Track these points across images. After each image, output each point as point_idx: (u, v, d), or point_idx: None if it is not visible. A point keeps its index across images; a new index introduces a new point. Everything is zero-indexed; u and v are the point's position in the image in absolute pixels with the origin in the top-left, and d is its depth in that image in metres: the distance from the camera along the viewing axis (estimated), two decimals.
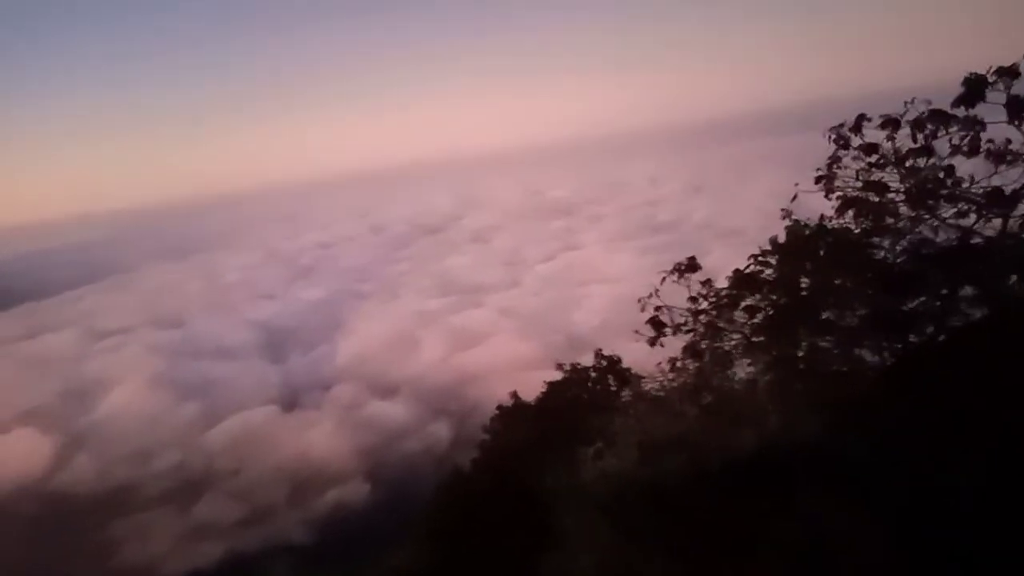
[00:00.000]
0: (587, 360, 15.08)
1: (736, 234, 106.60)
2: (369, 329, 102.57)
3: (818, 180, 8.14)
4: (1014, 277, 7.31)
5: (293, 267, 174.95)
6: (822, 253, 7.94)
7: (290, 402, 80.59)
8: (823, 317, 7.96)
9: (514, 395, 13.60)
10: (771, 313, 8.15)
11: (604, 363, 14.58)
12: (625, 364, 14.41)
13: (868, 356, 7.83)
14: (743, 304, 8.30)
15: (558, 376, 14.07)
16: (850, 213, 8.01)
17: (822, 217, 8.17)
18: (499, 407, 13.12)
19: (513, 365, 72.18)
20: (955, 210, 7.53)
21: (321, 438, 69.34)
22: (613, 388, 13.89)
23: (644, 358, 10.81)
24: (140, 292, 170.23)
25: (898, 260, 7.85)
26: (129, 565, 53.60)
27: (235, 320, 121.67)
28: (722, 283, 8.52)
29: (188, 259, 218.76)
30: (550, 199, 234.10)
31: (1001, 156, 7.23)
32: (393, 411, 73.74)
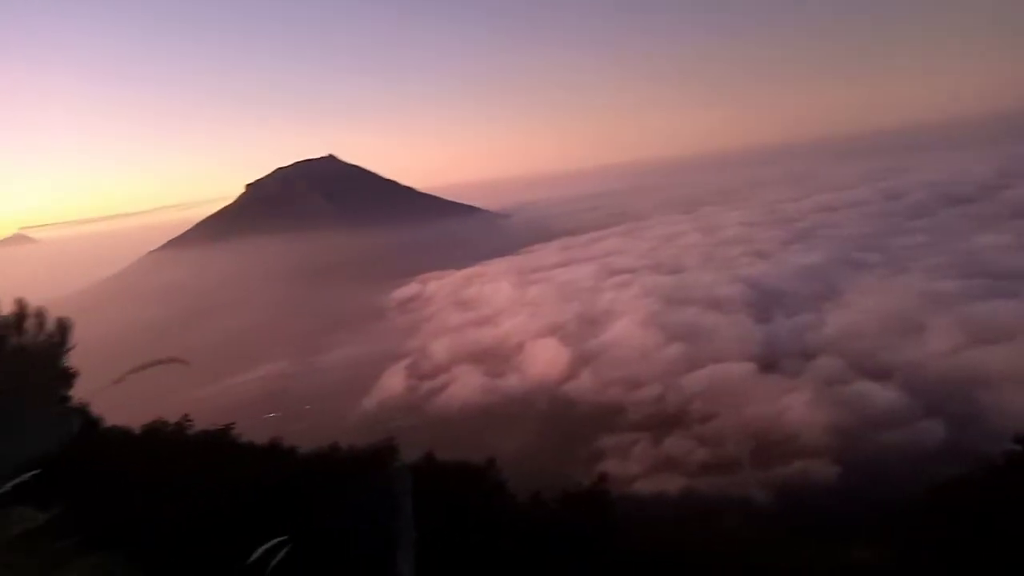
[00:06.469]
0: None
1: None
2: (865, 303, 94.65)
3: None
4: None
5: (792, 229, 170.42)
6: None
7: (769, 363, 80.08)
8: None
9: None
10: None
11: None
12: None
13: None
14: None
15: None
16: None
17: None
18: None
19: None
20: None
21: (796, 406, 67.46)
22: None
23: None
24: (648, 239, 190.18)
25: None
26: (610, 476, 61.70)
27: (726, 274, 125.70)
28: None
29: (693, 212, 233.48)
30: None
31: None
32: (881, 396, 66.86)
